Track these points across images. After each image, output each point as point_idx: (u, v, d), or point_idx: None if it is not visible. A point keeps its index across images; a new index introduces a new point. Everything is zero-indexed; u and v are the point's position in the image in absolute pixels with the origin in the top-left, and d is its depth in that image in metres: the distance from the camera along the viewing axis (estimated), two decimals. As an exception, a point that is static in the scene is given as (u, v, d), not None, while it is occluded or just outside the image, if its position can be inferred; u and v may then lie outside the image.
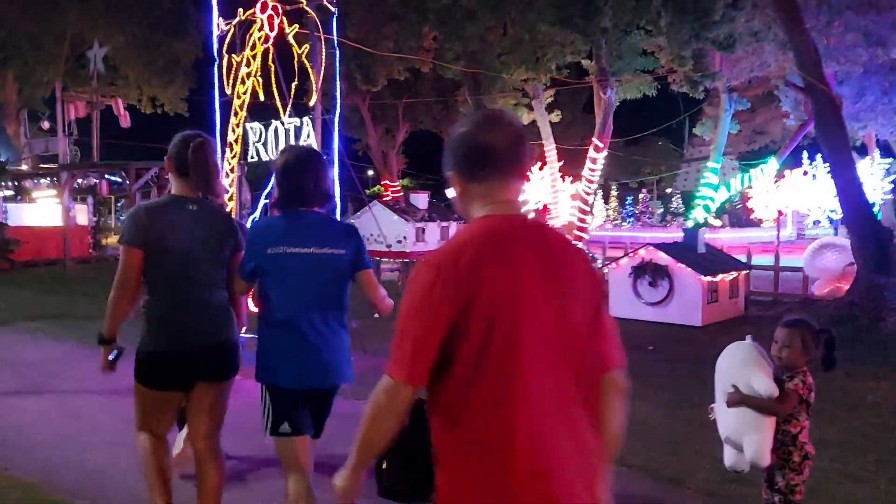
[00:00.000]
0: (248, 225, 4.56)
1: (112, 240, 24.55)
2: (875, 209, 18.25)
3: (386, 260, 16.54)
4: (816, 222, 35.47)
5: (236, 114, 7.98)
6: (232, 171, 8.14)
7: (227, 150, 8.12)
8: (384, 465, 2.23)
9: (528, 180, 2.02)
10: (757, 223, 37.19)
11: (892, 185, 30.93)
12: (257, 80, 7.74)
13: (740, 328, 8.70)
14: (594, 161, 19.11)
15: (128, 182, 18.62)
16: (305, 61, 7.46)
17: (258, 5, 7.66)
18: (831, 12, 13.91)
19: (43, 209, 21.93)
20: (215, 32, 8.07)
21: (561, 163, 22.36)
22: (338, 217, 7.20)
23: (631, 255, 11.58)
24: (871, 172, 28.99)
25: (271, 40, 7.60)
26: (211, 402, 3.32)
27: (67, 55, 25.54)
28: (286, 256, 3.13)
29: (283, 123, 7.48)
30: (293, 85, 7.50)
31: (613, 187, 52.28)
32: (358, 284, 3.29)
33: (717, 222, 31.52)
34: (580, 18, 14.20)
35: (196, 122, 17.02)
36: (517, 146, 1.91)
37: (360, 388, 3.70)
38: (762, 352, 3.22)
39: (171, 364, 3.23)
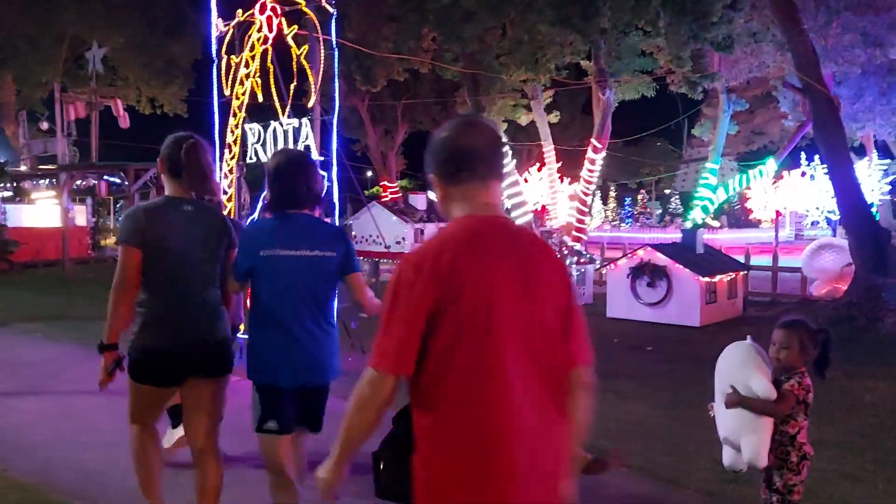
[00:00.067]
0: (247, 225, 4.59)
1: (111, 241, 24.53)
2: (873, 210, 18.28)
3: (385, 261, 16.54)
4: (815, 223, 35.53)
5: (235, 115, 7.98)
6: (231, 171, 8.15)
7: (226, 150, 8.12)
8: (381, 466, 2.24)
9: (505, 180, 2.13)
10: (755, 224, 37.27)
11: (890, 186, 31.01)
12: (256, 81, 7.74)
13: (738, 329, 8.72)
14: (593, 162, 19.12)
15: (126, 183, 18.62)
16: (304, 62, 7.45)
17: (257, 6, 7.66)
18: (829, 13, 13.94)
19: (42, 210, 21.91)
20: (214, 33, 8.07)
21: (559, 164, 22.35)
22: (336, 218, 7.24)
23: (629, 255, 11.59)
24: (869, 173, 29.05)
25: (270, 41, 7.60)
26: (208, 399, 3.36)
27: (66, 56, 25.57)
28: (278, 258, 3.22)
29: (281, 124, 7.48)
30: (292, 86, 7.50)
31: (612, 188, 52.32)
32: (347, 286, 3.42)
33: (716, 223, 31.60)
34: (579, 19, 14.20)
35: (195, 123, 17.05)
36: (494, 151, 2.01)
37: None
38: (762, 352, 3.22)
39: (165, 361, 3.26)
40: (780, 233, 32.09)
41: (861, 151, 29.59)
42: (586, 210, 20.30)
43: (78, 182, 21.51)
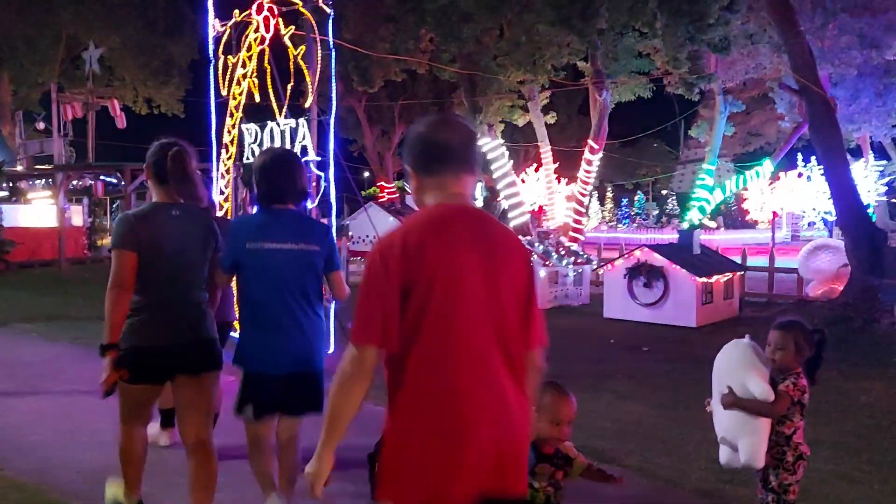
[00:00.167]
0: (233, 219, 4.69)
1: (107, 241, 24.49)
2: (869, 211, 18.32)
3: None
4: (811, 224, 35.55)
5: (232, 115, 7.98)
6: (227, 171, 8.15)
7: (223, 151, 8.12)
8: (377, 468, 2.24)
9: (477, 177, 2.23)
10: (752, 225, 37.30)
11: (887, 187, 31.06)
12: (253, 82, 7.74)
13: (735, 329, 8.73)
14: (589, 163, 19.15)
15: (123, 183, 18.59)
16: (301, 63, 7.45)
17: (254, 7, 7.66)
18: (826, 15, 14.00)
19: (38, 210, 21.87)
20: (211, 34, 8.07)
21: (556, 164, 22.38)
22: (333, 218, 7.24)
23: (626, 256, 11.61)
24: (865, 174, 29.06)
25: (267, 41, 7.60)
26: (200, 395, 3.44)
27: (63, 56, 25.53)
28: (264, 251, 3.38)
29: (278, 125, 7.47)
30: (289, 86, 7.50)
31: (609, 189, 52.36)
32: (328, 282, 3.60)
33: (713, 224, 31.60)
34: (579, 19, 14.23)
35: (192, 124, 17.01)
36: (467, 145, 2.12)
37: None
38: (759, 352, 3.20)
39: (157, 360, 3.34)
40: (777, 234, 32.15)
41: (857, 153, 29.63)
42: (583, 211, 20.33)
43: (74, 182, 21.50)
